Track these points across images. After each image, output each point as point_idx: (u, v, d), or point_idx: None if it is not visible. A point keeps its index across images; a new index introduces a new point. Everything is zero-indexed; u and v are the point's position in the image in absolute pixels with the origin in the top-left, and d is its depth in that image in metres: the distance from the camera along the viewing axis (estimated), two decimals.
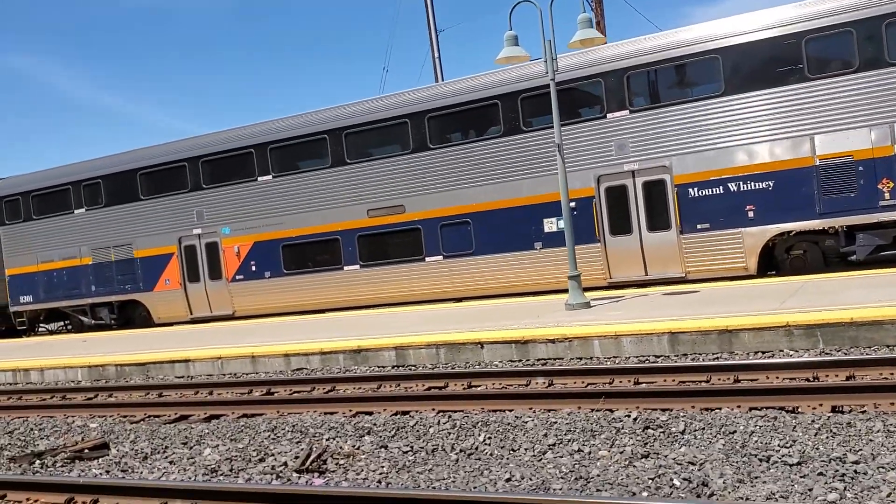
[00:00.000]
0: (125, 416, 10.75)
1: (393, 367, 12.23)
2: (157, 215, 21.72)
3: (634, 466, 6.16)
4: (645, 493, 5.59)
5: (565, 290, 16.73)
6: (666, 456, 6.30)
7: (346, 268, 19.70)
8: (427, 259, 18.75)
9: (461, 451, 7.09)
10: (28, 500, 6.95)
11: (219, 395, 11.75)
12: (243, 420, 9.55)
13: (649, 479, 5.84)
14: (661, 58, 16.29)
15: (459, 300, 18.60)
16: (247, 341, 15.10)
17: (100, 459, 8.34)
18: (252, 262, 20.76)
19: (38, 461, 8.34)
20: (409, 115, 18.72)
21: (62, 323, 25.43)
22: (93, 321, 23.02)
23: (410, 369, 11.84)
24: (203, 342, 15.92)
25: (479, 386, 10.01)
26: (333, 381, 11.27)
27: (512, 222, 17.63)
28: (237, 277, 20.90)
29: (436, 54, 30.82)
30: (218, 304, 21.18)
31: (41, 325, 25.57)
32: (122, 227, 22.23)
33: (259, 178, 20.53)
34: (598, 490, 5.75)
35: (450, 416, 8.26)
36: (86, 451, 8.62)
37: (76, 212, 23.00)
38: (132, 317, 22.74)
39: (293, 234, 20.28)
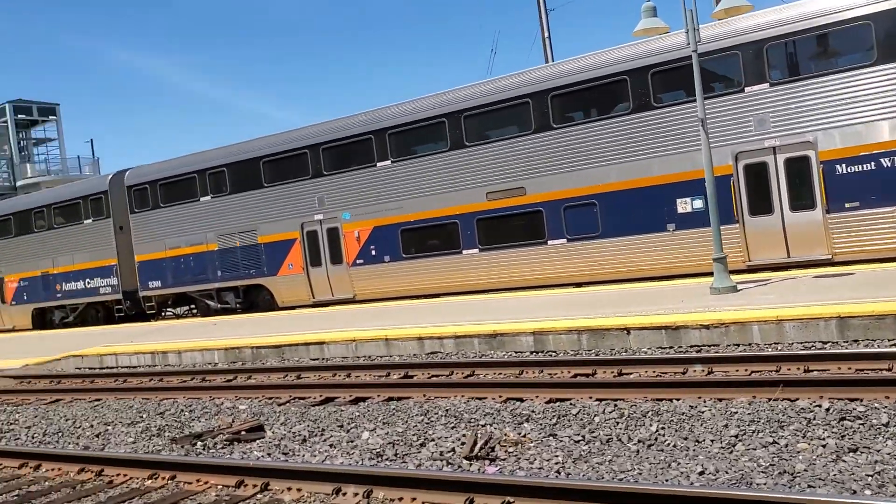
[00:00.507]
0: (271, 398, 10.82)
1: (531, 352, 11.91)
2: (280, 202, 22.06)
3: (844, 461, 5.63)
4: (867, 492, 5.07)
5: (699, 275, 16.05)
6: (878, 450, 5.74)
7: (464, 251, 19.49)
8: (549, 242, 18.30)
9: (639, 441, 6.69)
10: (198, 481, 6.97)
11: (356, 377, 11.72)
12: (392, 404, 9.42)
13: (866, 475, 5.30)
14: (805, 27, 15.26)
15: (580, 285, 18.10)
16: (376, 324, 15.08)
17: (258, 441, 8.35)
18: (372, 247, 20.82)
19: (198, 442, 8.43)
20: (531, 95, 18.27)
21: (188, 307, 26.28)
22: (219, 305, 23.66)
23: (550, 355, 11.50)
24: (334, 324, 16.01)
25: (631, 373, 9.57)
26: (472, 366, 11.03)
27: (641, 203, 16.94)
28: (357, 262, 21.01)
29: (545, 34, 30.19)
30: (339, 288, 21.38)
31: (168, 309, 26.50)
32: (247, 214, 22.69)
33: (378, 164, 20.53)
34: (809, 486, 5.26)
35: (615, 405, 7.87)
36: (243, 432, 8.66)
37: (202, 199, 23.62)
38: (256, 301, 23.25)
39: (412, 218, 20.20)
